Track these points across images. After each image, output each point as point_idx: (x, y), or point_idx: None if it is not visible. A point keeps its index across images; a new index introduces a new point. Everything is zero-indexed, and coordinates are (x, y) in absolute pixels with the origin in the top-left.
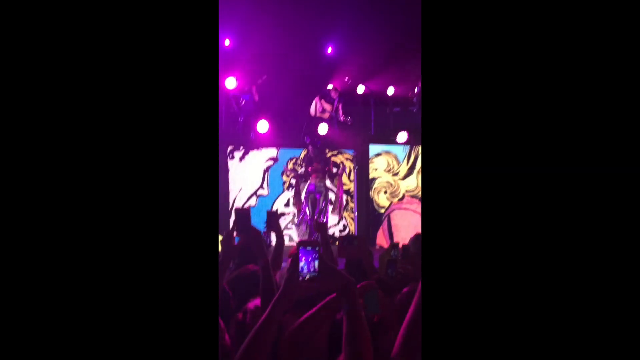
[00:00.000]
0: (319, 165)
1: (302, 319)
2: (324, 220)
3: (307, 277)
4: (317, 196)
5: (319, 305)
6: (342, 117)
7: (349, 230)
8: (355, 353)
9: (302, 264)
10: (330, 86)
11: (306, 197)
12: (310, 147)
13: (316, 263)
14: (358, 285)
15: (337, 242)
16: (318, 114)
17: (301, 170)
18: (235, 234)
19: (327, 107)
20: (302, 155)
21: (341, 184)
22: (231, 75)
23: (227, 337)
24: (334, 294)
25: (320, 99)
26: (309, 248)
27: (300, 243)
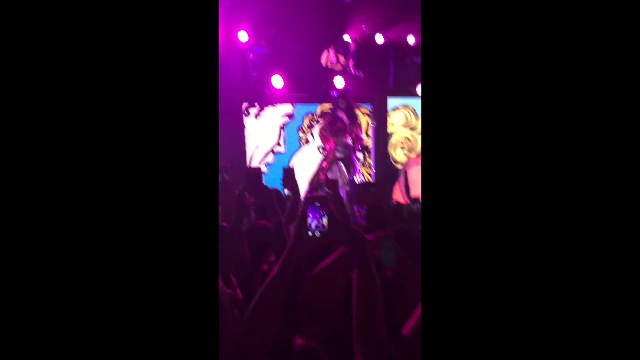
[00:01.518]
0: (342, 125)
1: (316, 271)
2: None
3: (316, 232)
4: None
5: (330, 258)
6: (352, 71)
7: None
8: (366, 310)
9: (310, 220)
10: (346, 36)
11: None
12: (337, 103)
13: (324, 219)
14: (373, 237)
15: (357, 189)
16: (329, 66)
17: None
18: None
19: (341, 59)
20: (318, 111)
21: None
22: (243, 29)
23: (238, 292)
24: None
25: (331, 50)
26: (317, 204)
27: (308, 199)
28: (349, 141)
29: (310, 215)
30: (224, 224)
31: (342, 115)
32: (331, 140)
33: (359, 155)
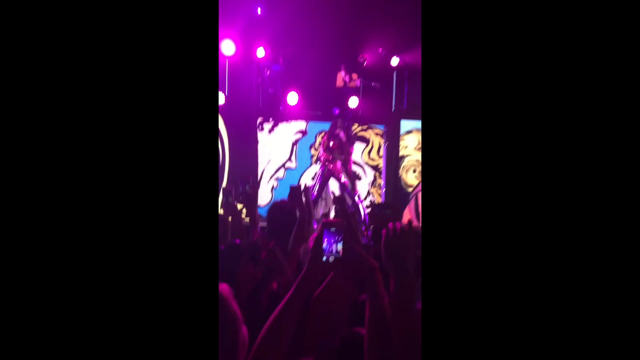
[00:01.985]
0: (341, 145)
1: (319, 289)
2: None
3: (331, 258)
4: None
5: (329, 277)
6: (364, 85)
7: None
8: (379, 341)
9: (325, 245)
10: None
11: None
12: (338, 120)
13: (339, 245)
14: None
15: (371, 210)
16: (347, 84)
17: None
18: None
19: (354, 76)
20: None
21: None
22: (261, 45)
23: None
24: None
25: (342, 71)
26: (332, 229)
27: (324, 224)
28: (339, 163)
29: (325, 240)
30: (237, 241)
31: (341, 134)
32: (328, 156)
33: (343, 178)
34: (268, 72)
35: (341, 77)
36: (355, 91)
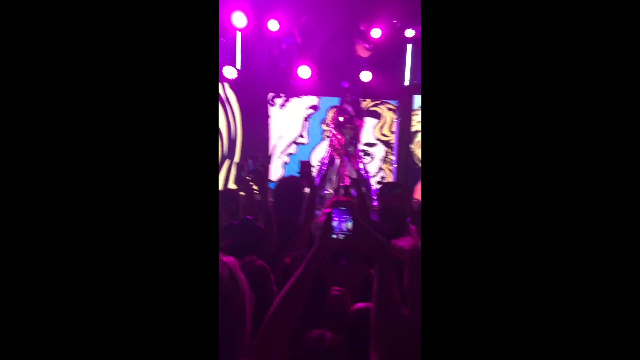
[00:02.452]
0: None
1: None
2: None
3: (340, 236)
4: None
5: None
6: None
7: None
8: (385, 315)
9: (335, 223)
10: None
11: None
12: (347, 94)
13: (350, 224)
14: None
15: (380, 189)
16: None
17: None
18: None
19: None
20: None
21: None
22: (272, 18)
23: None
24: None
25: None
26: (342, 208)
27: (334, 203)
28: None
29: (335, 218)
30: (234, 222)
31: (349, 108)
32: (337, 133)
33: (350, 149)
34: (285, 46)
35: (363, 47)
36: (376, 57)
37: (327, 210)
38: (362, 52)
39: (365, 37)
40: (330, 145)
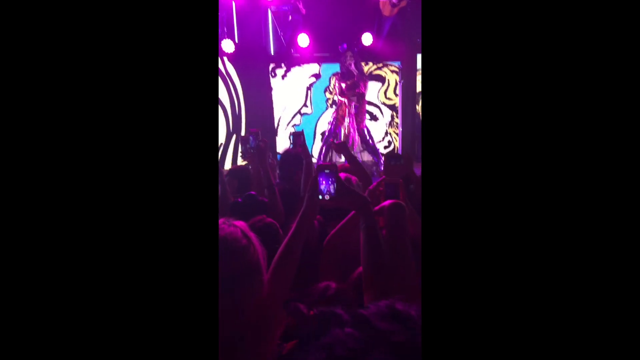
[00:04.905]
0: (352, 84)
1: (333, 231)
2: (341, 140)
3: (327, 197)
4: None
5: (343, 221)
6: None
7: (394, 147)
8: (372, 266)
9: (322, 186)
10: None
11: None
12: (346, 56)
13: (334, 185)
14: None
15: (383, 161)
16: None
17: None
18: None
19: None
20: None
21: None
22: None
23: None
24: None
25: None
26: (327, 172)
27: (319, 167)
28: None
29: (322, 181)
30: (239, 199)
31: (352, 69)
32: (346, 97)
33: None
34: (290, 18)
35: (388, 3)
36: (399, 15)
37: (313, 175)
38: (387, 9)
39: None
40: (336, 112)
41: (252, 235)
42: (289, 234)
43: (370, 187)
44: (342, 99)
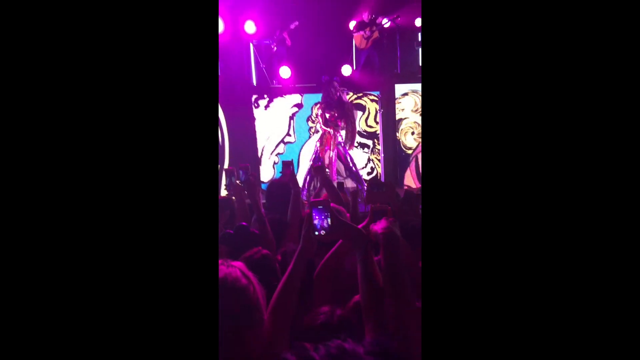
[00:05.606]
0: (335, 113)
1: (325, 258)
2: (320, 163)
3: (322, 232)
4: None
5: (333, 249)
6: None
7: (377, 173)
8: (371, 297)
9: (316, 221)
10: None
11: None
12: (328, 87)
13: (328, 220)
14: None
15: (366, 188)
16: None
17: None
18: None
19: (373, 28)
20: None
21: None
22: (250, 19)
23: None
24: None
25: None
26: (320, 207)
27: (312, 203)
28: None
29: (315, 217)
30: (230, 231)
31: (344, 99)
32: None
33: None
34: (275, 49)
35: (360, 36)
36: (373, 47)
37: (307, 211)
38: (361, 43)
39: (364, 26)
40: (320, 140)
41: (250, 274)
42: (287, 272)
43: (361, 225)
44: (327, 129)
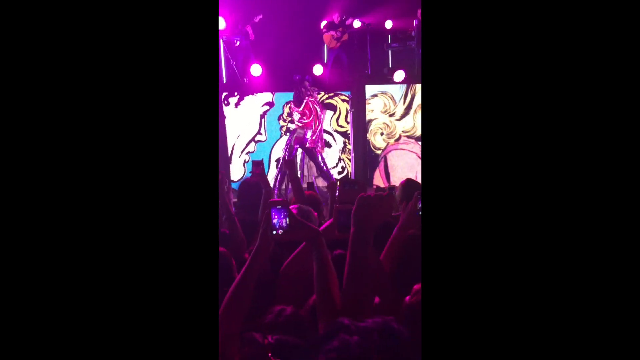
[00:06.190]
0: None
1: (287, 261)
2: (293, 157)
3: (280, 232)
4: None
5: (297, 250)
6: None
7: (347, 172)
8: (325, 293)
9: (275, 220)
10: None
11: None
12: (299, 86)
13: (287, 219)
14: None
15: (338, 186)
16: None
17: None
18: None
19: (343, 30)
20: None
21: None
22: (220, 16)
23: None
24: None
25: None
26: (279, 207)
27: (271, 203)
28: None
29: (274, 216)
30: (226, 231)
31: (308, 101)
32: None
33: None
34: (238, 43)
35: (330, 36)
36: (343, 48)
37: (266, 210)
38: (331, 42)
39: (334, 27)
40: (289, 139)
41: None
42: (243, 269)
43: (324, 225)
44: (314, 107)
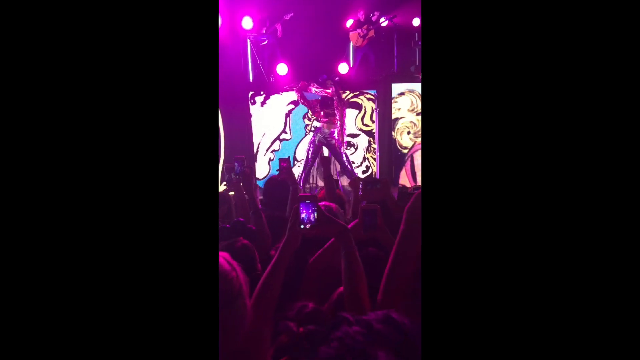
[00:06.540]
0: (331, 110)
1: (315, 255)
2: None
3: (308, 226)
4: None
5: (326, 245)
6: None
7: (372, 172)
8: (353, 288)
9: (303, 215)
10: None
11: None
12: (326, 84)
13: (315, 214)
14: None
15: (361, 185)
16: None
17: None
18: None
19: (369, 25)
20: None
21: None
22: (247, 15)
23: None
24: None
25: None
26: (308, 202)
27: (300, 198)
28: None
29: (303, 211)
30: (227, 225)
31: (332, 97)
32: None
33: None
34: (265, 42)
35: (357, 35)
36: (369, 46)
37: (295, 205)
38: (357, 41)
39: (360, 25)
40: (314, 136)
41: (235, 263)
42: (272, 262)
43: (351, 224)
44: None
